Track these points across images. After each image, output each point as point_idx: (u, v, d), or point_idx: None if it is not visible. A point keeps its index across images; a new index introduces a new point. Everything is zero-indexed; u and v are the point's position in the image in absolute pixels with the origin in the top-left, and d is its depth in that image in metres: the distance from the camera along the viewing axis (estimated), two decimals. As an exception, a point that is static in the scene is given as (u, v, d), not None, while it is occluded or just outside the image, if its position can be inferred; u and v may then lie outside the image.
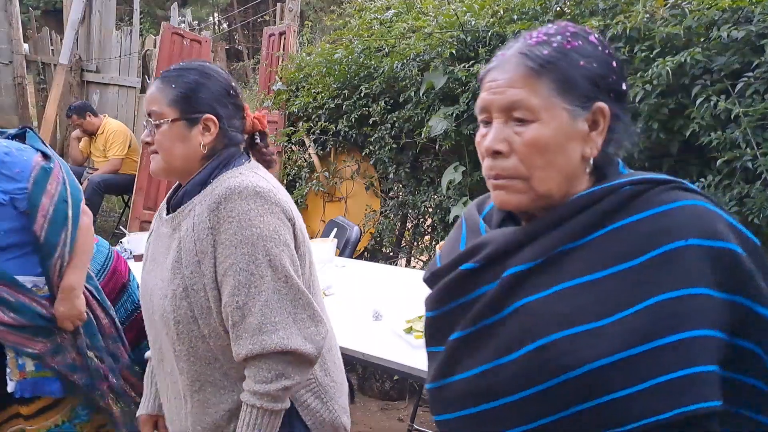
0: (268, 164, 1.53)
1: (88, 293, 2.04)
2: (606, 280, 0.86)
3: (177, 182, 1.52)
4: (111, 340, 2.11)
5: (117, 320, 2.15)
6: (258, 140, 1.54)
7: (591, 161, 0.94)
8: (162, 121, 1.40)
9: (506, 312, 0.91)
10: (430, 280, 1.06)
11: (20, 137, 2.10)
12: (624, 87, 0.97)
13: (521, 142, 0.92)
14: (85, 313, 2.01)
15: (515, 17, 3.52)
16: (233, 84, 1.48)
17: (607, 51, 0.96)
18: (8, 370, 1.95)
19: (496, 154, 0.95)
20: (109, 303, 2.14)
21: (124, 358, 2.12)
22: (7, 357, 1.95)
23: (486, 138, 0.97)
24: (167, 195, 1.53)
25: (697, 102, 2.66)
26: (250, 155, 1.53)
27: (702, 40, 2.78)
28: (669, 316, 0.81)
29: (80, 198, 2.03)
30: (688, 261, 0.83)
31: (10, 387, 1.94)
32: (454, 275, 0.99)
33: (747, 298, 0.83)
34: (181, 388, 1.40)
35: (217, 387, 1.38)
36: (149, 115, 1.42)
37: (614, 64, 0.96)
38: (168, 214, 1.47)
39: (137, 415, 1.67)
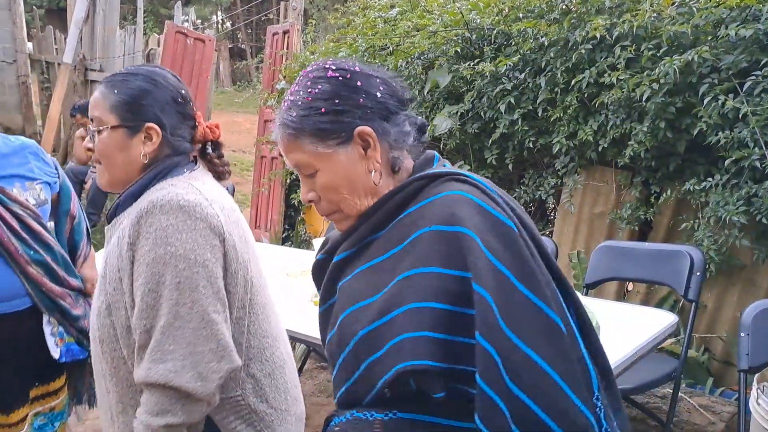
0: (219, 175, 1.46)
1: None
2: (382, 263, 1.04)
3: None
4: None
5: None
6: (210, 150, 1.47)
7: (374, 173, 1.07)
8: (102, 127, 1.34)
9: (336, 292, 1.12)
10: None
11: None
12: (379, 96, 1.07)
13: (319, 189, 1.09)
14: None
15: (521, 15, 3.50)
16: (182, 91, 1.42)
17: (348, 75, 1.06)
18: (52, 340, 2.02)
19: (310, 201, 1.12)
20: None
21: None
22: (50, 328, 2.03)
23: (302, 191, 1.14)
24: (113, 207, 1.45)
25: (705, 101, 2.64)
26: (200, 165, 1.46)
27: (709, 38, 2.76)
28: (401, 291, 0.97)
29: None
30: (424, 244, 0.98)
31: (56, 353, 2.01)
32: (314, 263, 1.22)
33: (468, 272, 0.94)
34: (109, 407, 1.34)
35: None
36: (91, 120, 1.37)
37: (359, 83, 1.05)
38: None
39: None
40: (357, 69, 1.07)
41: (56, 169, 2.12)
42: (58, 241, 2.05)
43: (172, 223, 1.22)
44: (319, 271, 1.20)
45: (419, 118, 1.14)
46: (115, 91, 1.35)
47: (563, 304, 0.96)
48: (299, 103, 1.06)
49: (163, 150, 1.37)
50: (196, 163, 1.43)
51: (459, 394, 0.96)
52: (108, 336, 1.28)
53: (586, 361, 0.94)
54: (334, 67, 1.07)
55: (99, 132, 1.35)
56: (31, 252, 1.90)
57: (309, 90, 1.06)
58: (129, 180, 1.36)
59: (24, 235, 1.89)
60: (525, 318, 0.91)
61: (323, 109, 1.04)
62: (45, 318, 2.00)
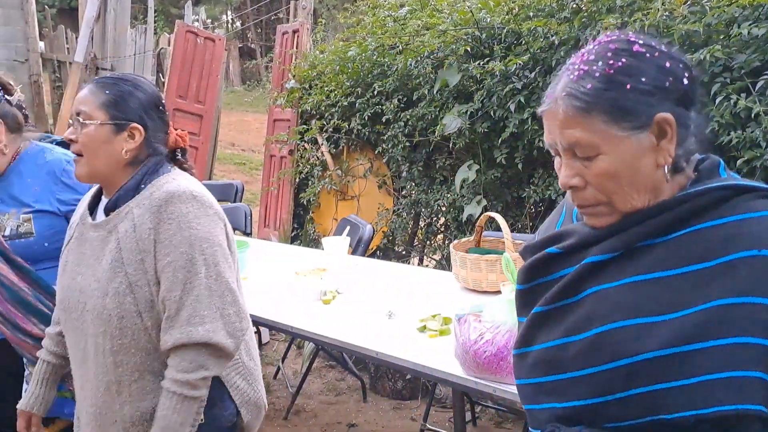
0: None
1: None
2: (675, 279, 0.91)
3: (95, 191, 1.62)
4: None
5: None
6: (179, 156, 1.63)
7: (666, 168, 0.96)
8: (90, 122, 1.48)
9: (581, 296, 0.99)
10: (523, 253, 1.14)
11: (64, 144, 2.04)
12: (686, 82, 0.96)
13: (592, 175, 0.96)
14: None
15: (531, 14, 3.49)
16: (162, 100, 1.58)
17: (656, 54, 0.95)
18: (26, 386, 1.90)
19: (572, 188, 1.00)
20: None
21: None
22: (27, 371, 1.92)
23: (560, 172, 1.01)
24: (87, 204, 1.60)
25: (717, 100, 2.62)
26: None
27: (722, 37, 2.74)
28: (723, 320, 0.86)
29: None
30: (754, 270, 0.86)
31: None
32: (540, 255, 1.07)
33: None
34: (116, 380, 1.47)
35: (156, 375, 1.47)
36: (78, 114, 1.49)
37: (667, 64, 0.95)
38: (93, 219, 1.56)
39: (17, 407, 1.69)
40: (665, 49, 0.97)
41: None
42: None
43: (190, 210, 1.44)
44: (542, 264, 1.07)
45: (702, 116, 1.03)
46: (106, 92, 1.49)
47: None
48: (597, 74, 0.94)
49: (143, 150, 1.52)
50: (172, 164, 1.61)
51: None
52: (129, 312, 1.43)
53: None
54: (641, 42, 0.96)
55: (85, 126, 1.48)
56: None
57: (610, 62, 0.94)
58: (108, 174, 1.51)
59: None
60: None
61: (629, 86, 0.93)
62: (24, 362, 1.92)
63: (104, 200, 1.56)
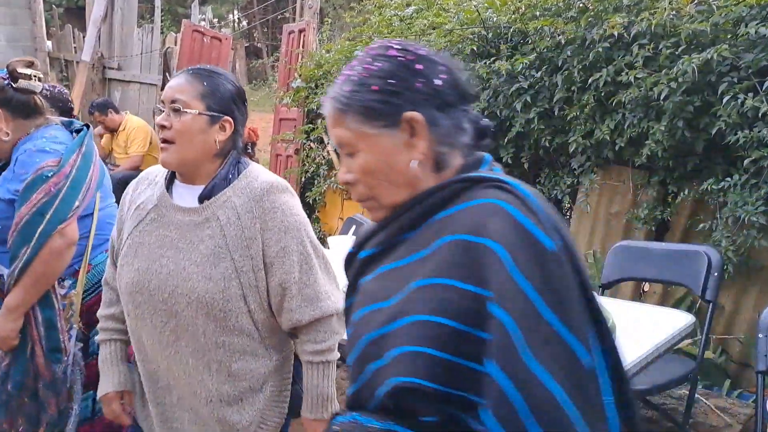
0: None
1: (34, 323, 1.94)
2: (405, 267, 0.99)
3: (169, 174, 1.61)
4: (43, 383, 1.95)
5: (64, 368, 1.97)
6: (249, 149, 1.70)
7: (414, 164, 1.00)
8: (188, 110, 1.49)
9: (358, 290, 1.10)
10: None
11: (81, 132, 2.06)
12: (438, 83, 1.00)
13: (357, 171, 1.03)
14: (16, 341, 1.92)
15: (537, 13, 3.48)
16: (245, 94, 1.62)
17: (409, 57, 1.01)
18: None
19: (346, 183, 1.07)
20: (65, 343, 1.97)
21: (51, 411, 1.96)
22: None
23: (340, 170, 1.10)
24: (164, 185, 1.61)
25: (724, 100, 2.61)
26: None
27: (729, 36, 2.73)
28: (410, 300, 0.93)
29: (64, 218, 1.89)
30: (446, 253, 0.92)
31: None
32: (345, 258, 1.18)
33: (488, 291, 0.87)
34: (217, 360, 1.53)
35: (255, 356, 1.55)
36: (173, 101, 1.50)
37: (419, 66, 1.00)
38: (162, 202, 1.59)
39: (103, 393, 1.69)
40: (421, 52, 1.02)
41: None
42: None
43: (288, 200, 1.54)
44: (347, 265, 1.16)
45: (485, 119, 1.08)
46: (204, 83, 1.52)
47: (598, 345, 0.88)
48: (354, 78, 1.01)
49: (229, 142, 1.56)
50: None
51: (454, 421, 0.89)
52: (234, 296, 1.49)
53: (609, 411, 0.86)
54: (398, 47, 1.02)
55: (182, 114, 1.50)
56: None
57: (366, 66, 1.01)
58: (197, 162, 1.54)
59: None
60: (550, 352, 0.82)
61: (376, 87, 0.99)
62: None
63: (180, 185, 1.59)
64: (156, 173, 1.65)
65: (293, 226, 1.52)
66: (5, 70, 1.97)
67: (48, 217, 1.86)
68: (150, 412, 1.66)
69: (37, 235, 1.84)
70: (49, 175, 1.87)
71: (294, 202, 1.56)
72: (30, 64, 2.00)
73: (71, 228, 1.91)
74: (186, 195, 1.57)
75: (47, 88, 2.13)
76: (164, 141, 1.51)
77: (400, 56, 1.01)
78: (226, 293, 1.48)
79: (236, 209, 1.51)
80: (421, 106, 0.99)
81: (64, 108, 2.67)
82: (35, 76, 1.98)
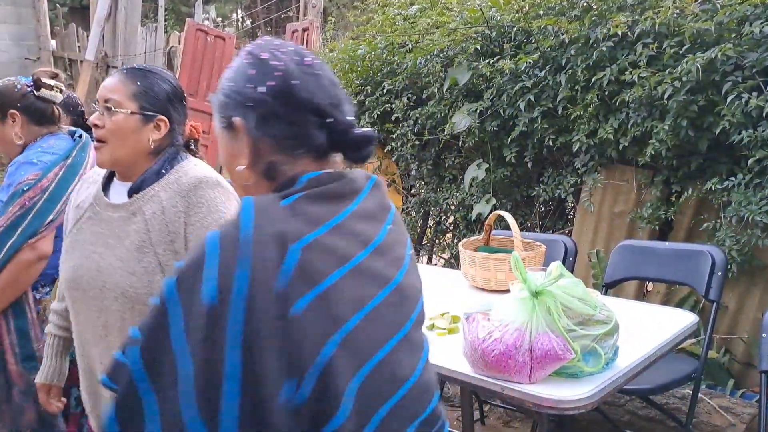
0: None
1: (5, 332, 1.99)
2: None
3: (107, 173, 1.63)
4: (18, 389, 2.00)
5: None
6: (192, 146, 1.69)
7: (241, 169, 1.01)
8: (120, 110, 1.51)
9: None
10: None
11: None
12: (262, 91, 0.98)
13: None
14: None
15: (541, 12, 3.48)
16: (184, 93, 1.64)
17: (251, 60, 1.01)
18: None
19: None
20: (39, 351, 2.00)
21: (29, 417, 2.01)
22: None
23: None
24: (100, 185, 1.62)
25: (728, 99, 2.61)
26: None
27: (733, 35, 2.72)
28: None
29: (35, 232, 1.93)
30: None
31: None
32: None
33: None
34: None
35: None
36: (106, 101, 1.52)
37: (252, 72, 1.00)
38: (104, 200, 1.59)
39: (36, 381, 1.76)
40: (264, 56, 1.00)
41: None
42: None
43: (217, 195, 1.50)
44: None
45: (366, 129, 1.03)
46: (137, 82, 1.54)
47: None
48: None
49: (166, 140, 1.58)
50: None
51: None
52: (158, 290, 1.43)
53: None
54: (249, 49, 1.03)
55: (114, 114, 1.51)
56: None
57: (228, 66, 1.06)
58: (130, 161, 1.55)
59: None
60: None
61: (222, 87, 1.04)
62: None
63: (118, 183, 1.61)
64: (99, 172, 1.68)
65: (215, 222, 1.48)
66: (31, 78, 2.10)
67: (20, 230, 1.91)
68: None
69: (6, 248, 1.90)
70: (26, 189, 1.93)
71: (224, 198, 1.52)
72: (54, 76, 2.13)
73: (44, 242, 1.95)
74: (122, 192, 1.59)
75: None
76: (98, 140, 1.54)
77: (245, 59, 1.02)
78: (150, 288, 1.47)
79: (162, 203, 1.51)
80: (247, 112, 0.99)
81: (74, 112, 2.71)
82: (57, 88, 2.11)
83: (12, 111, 2.05)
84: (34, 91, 2.07)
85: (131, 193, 1.56)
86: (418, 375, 1.00)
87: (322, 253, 0.90)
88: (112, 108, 1.51)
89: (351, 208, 0.99)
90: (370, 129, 1.05)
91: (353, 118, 1.05)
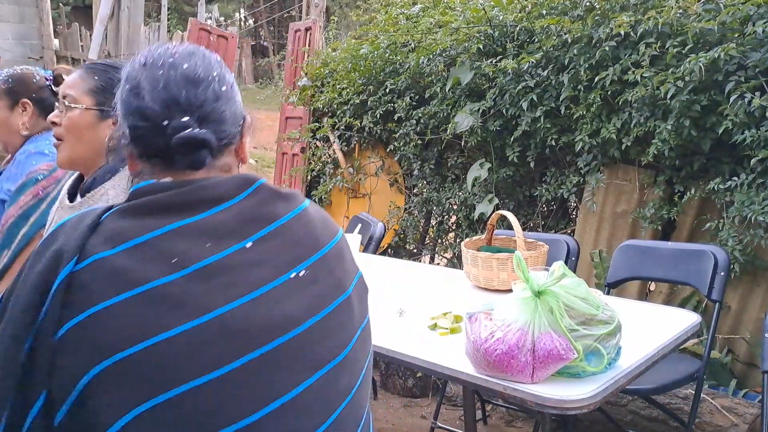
0: None
1: None
2: None
3: (78, 175, 1.56)
4: None
5: None
6: None
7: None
8: (76, 105, 1.45)
9: None
10: None
11: None
12: (117, 93, 1.00)
13: None
14: None
15: (544, 12, 3.48)
16: None
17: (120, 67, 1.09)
18: None
19: None
20: None
21: None
22: None
23: None
24: (68, 187, 1.56)
25: (731, 99, 2.60)
26: None
27: (736, 35, 2.72)
28: None
29: (43, 224, 1.88)
30: None
31: None
32: None
33: None
34: None
35: None
36: (64, 97, 1.46)
37: (119, 75, 1.03)
38: (72, 201, 1.50)
39: None
40: (138, 59, 0.99)
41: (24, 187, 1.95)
42: None
43: None
44: None
45: (195, 131, 0.93)
46: (95, 77, 1.47)
47: None
48: None
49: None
50: None
51: None
52: None
53: None
54: (142, 56, 1.02)
55: (70, 109, 1.45)
56: None
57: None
58: (89, 159, 1.47)
59: None
60: None
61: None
62: None
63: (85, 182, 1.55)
64: (76, 174, 1.61)
65: None
66: (51, 72, 2.08)
67: (32, 220, 1.87)
68: None
69: (19, 238, 1.86)
70: (39, 178, 1.90)
71: None
72: None
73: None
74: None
75: None
76: (56, 138, 1.48)
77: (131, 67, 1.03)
78: None
79: (108, 202, 1.39)
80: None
81: None
82: None
83: (25, 100, 2.02)
84: (53, 86, 2.03)
85: (83, 192, 1.47)
86: (252, 421, 0.83)
87: (102, 276, 0.82)
88: (68, 103, 1.45)
89: (181, 223, 0.87)
90: (203, 131, 0.93)
91: (193, 120, 0.93)
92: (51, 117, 1.48)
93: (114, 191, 1.42)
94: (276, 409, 0.85)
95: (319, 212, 1.04)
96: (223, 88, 0.97)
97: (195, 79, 0.94)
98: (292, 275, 0.90)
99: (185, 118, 0.92)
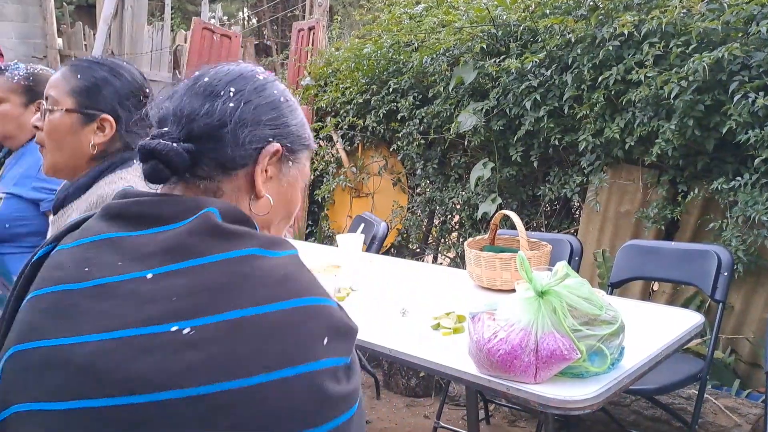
0: None
1: None
2: None
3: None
4: None
5: None
6: None
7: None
8: (56, 108, 1.32)
9: None
10: None
11: None
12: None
13: None
14: None
15: (547, 12, 3.47)
16: (146, 89, 1.39)
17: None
18: None
19: None
20: None
21: None
22: None
23: None
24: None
25: (735, 98, 2.60)
26: None
27: (740, 35, 2.72)
28: None
29: None
30: None
31: None
32: None
33: None
34: None
35: None
36: (46, 99, 1.35)
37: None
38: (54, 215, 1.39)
39: None
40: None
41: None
42: (33, 238, 1.91)
43: None
44: None
45: (145, 141, 0.87)
46: (78, 76, 1.33)
47: None
48: None
49: (115, 144, 1.35)
50: None
51: None
52: None
53: None
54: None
55: (50, 112, 1.32)
56: None
57: None
58: (71, 167, 1.34)
59: None
60: None
61: None
62: None
63: None
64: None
65: None
66: None
67: None
68: None
69: None
70: None
71: None
72: None
73: None
74: None
75: None
76: (40, 144, 1.36)
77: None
78: None
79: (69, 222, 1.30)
80: None
81: None
82: None
83: (41, 101, 2.00)
84: None
85: (55, 210, 1.34)
86: None
87: (45, 267, 0.84)
88: (49, 105, 1.32)
89: (118, 234, 0.81)
90: (156, 142, 0.85)
91: (176, 131, 0.87)
92: (32, 121, 1.36)
93: (76, 213, 1.26)
94: None
95: (283, 268, 0.81)
96: (237, 106, 0.87)
97: (204, 92, 0.88)
98: (173, 329, 0.71)
99: (165, 128, 0.88)
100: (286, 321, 0.73)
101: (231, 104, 0.86)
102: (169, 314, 0.72)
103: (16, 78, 1.94)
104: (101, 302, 0.75)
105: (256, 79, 0.91)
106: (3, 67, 1.95)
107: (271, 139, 0.88)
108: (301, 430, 0.70)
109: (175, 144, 0.83)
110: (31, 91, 1.97)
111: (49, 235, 1.36)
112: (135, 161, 1.34)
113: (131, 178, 1.29)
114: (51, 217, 1.37)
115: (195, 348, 0.70)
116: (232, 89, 0.88)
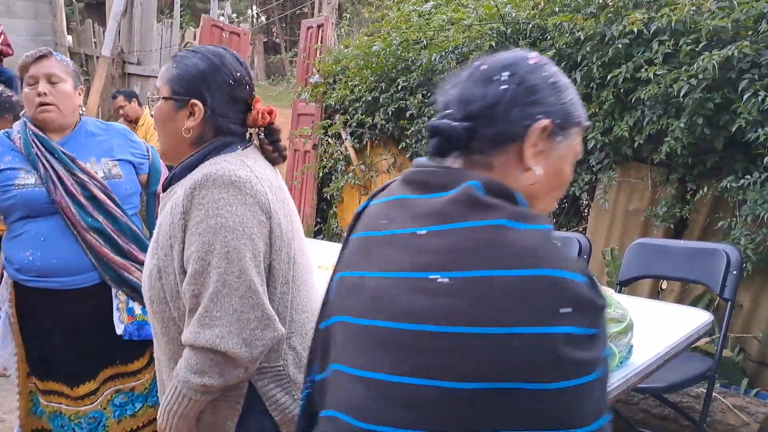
0: (271, 161, 1.48)
1: None
2: None
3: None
4: None
5: None
6: (262, 135, 1.48)
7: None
8: (156, 96, 1.43)
9: None
10: None
11: None
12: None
13: None
14: None
15: (556, 9, 3.47)
16: (238, 74, 1.43)
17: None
18: (117, 315, 2.06)
19: None
20: None
21: None
22: (116, 302, 2.06)
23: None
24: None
25: (744, 97, 2.59)
26: (254, 145, 1.49)
27: (750, 33, 2.71)
28: None
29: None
30: None
31: (119, 329, 2.04)
32: None
33: None
34: (165, 363, 1.41)
35: None
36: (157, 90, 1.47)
37: None
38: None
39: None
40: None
41: (147, 151, 2.25)
42: (149, 220, 2.23)
43: (223, 197, 1.27)
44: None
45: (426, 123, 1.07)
46: (174, 65, 1.43)
47: None
48: None
49: (206, 128, 1.41)
50: (250, 143, 1.47)
51: None
52: (158, 298, 1.34)
53: None
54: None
55: (155, 101, 1.44)
56: (89, 219, 1.99)
57: None
58: (173, 152, 1.44)
59: (84, 201, 1.99)
60: None
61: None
62: (113, 292, 2.05)
63: None
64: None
65: (211, 228, 1.25)
66: None
67: None
68: None
69: None
70: None
71: (231, 200, 1.27)
72: None
73: None
74: None
75: None
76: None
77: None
78: (152, 293, 1.35)
79: (173, 202, 1.34)
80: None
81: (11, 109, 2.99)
82: None
83: (82, 87, 2.21)
84: None
85: (164, 188, 1.44)
86: None
87: (364, 216, 1.08)
88: (155, 95, 1.44)
89: (405, 197, 1.02)
90: (442, 122, 1.01)
91: (458, 113, 1.02)
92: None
93: (181, 190, 1.32)
94: None
95: (530, 239, 0.88)
96: (510, 88, 0.97)
97: (481, 77, 0.99)
98: (432, 277, 0.88)
99: (449, 111, 1.01)
100: (526, 287, 0.84)
101: (503, 86, 0.97)
102: (430, 265, 0.89)
103: (65, 62, 2.17)
104: (387, 248, 0.96)
105: (526, 63, 1.01)
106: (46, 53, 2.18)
107: (540, 117, 0.96)
108: (532, 383, 0.81)
109: (454, 123, 0.97)
110: (77, 76, 2.19)
111: (159, 210, 1.47)
112: (239, 147, 1.41)
113: (234, 161, 1.35)
114: (162, 194, 1.49)
115: (447, 295, 0.86)
116: (506, 73, 0.98)
